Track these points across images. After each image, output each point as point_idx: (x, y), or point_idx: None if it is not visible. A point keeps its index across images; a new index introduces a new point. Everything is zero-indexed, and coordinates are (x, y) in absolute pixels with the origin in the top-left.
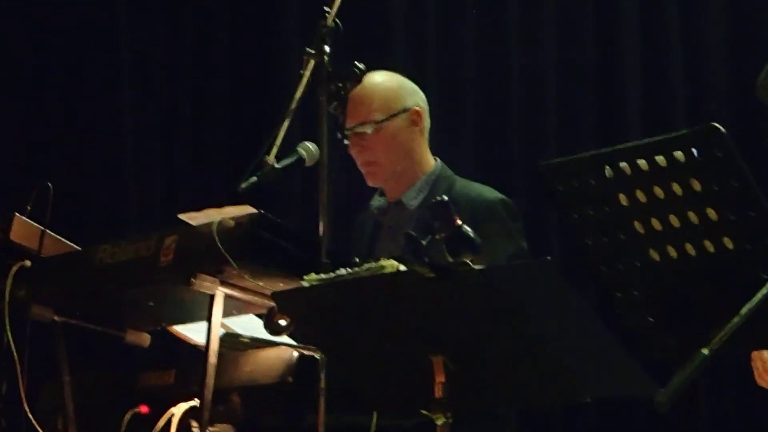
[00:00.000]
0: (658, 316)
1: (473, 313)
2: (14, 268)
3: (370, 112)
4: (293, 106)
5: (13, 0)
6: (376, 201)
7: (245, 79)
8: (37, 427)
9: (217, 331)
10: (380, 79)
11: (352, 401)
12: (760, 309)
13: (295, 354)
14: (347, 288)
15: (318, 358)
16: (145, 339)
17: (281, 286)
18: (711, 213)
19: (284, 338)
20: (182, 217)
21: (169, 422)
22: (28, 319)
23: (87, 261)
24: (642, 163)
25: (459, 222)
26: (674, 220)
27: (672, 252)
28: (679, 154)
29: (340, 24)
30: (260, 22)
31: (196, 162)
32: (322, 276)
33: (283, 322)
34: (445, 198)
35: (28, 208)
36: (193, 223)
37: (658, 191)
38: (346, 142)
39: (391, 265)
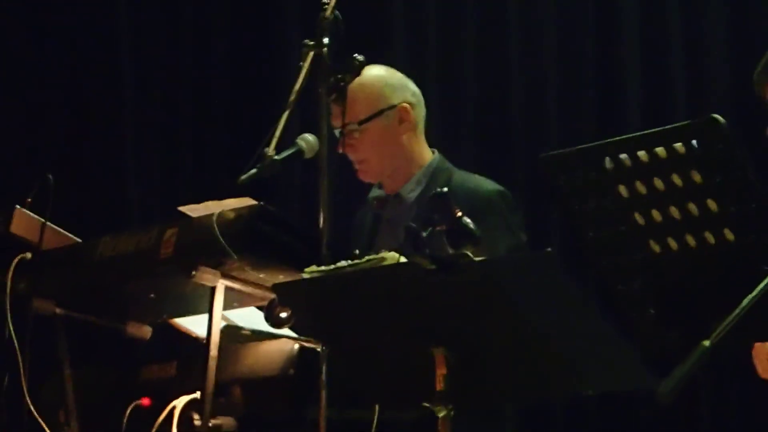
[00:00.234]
0: (659, 308)
1: (474, 304)
2: (15, 261)
3: (354, 113)
4: (293, 98)
5: None
6: (375, 192)
7: (245, 72)
8: (39, 420)
9: (218, 324)
10: (366, 76)
11: (353, 394)
12: (761, 301)
13: (296, 346)
14: (348, 280)
15: (319, 350)
16: (146, 332)
17: (282, 278)
18: (712, 205)
19: (285, 331)
20: (182, 209)
21: (170, 415)
22: (29, 312)
23: (88, 253)
24: (642, 154)
25: (459, 214)
26: (675, 212)
27: (673, 244)
28: (679, 146)
29: (339, 16)
30: (260, 15)
31: (197, 154)
32: (323, 268)
33: (283, 315)
34: (445, 189)
35: (29, 200)
36: (193, 215)
37: (659, 183)
38: (336, 132)
39: (391, 257)
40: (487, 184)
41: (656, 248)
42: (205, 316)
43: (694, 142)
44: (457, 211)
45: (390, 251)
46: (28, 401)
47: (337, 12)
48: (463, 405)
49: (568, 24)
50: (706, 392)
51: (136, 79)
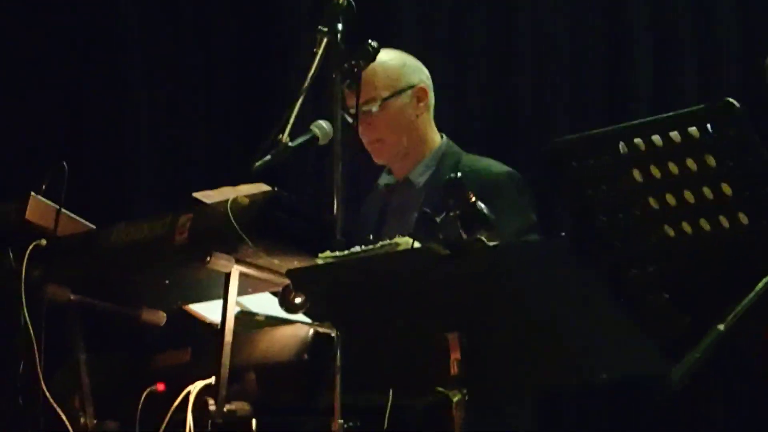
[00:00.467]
0: (672, 292)
1: (487, 289)
2: (30, 248)
3: (375, 90)
4: (306, 84)
5: None
6: (384, 179)
7: (259, 58)
8: (54, 406)
9: (233, 310)
10: (385, 57)
11: (367, 379)
12: None
13: (311, 332)
14: (362, 265)
15: (333, 335)
16: (161, 318)
17: (296, 263)
18: (726, 189)
19: (299, 316)
20: (197, 195)
21: (185, 400)
22: (44, 299)
23: (102, 240)
24: (656, 139)
25: (473, 199)
26: (689, 196)
27: (687, 228)
28: (693, 130)
29: (352, 2)
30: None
31: (211, 141)
32: (337, 254)
33: (298, 300)
34: (459, 175)
35: (44, 187)
36: (207, 201)
37: (673, 167)
38: (349, 119)
39: (405, 242)
40: (497, 167)
41: (670, 232)
42: (219, 302)
43: (708, 126)
44: (471, 196)
45: (401, 236)
46: (44, 387)
47: None
48: (477, 389)
49: (579, 8)
50: (720, 377)
51: (147, 66)
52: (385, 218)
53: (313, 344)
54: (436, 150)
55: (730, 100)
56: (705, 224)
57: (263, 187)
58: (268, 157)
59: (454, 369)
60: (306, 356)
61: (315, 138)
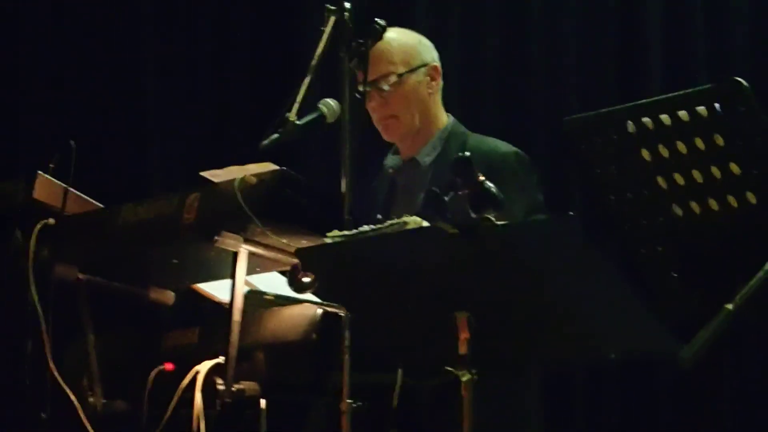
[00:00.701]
0: (681, 271)
1: (496, 269)
2: (38, 227)
3: (392, 65)
4: (314, 62)
5: None
6: (390, 160)
7: (267, 37)
8: (63, 385)
9: (241, 289)
10: (399, 34)
11: (376, 358)
12: None
13: (319, 311)
14: (371, 245)
15: (342, 315)
16: (170, 297)
17: (304, 243)
18: (734, 168)
19: (308, 295)
20: (204, 174)
21: (194, 380)
22: (52, 278)
23: (110, 219)
24: (665, 118)
25: (482, 178)
26: (697, 176)
27: (695, 207)
28: (702, 109)
29: None
30: None
31: (219, 119)
32: (346, 233)
33: (306, 280)
34: (467, 154)
35: (52, 166)
36: (215, 180)
37: (681, 146)
38: (358, 95)
39: (414, 221)
40: (503, 146)
41: (679, 212)
42: (227, 282)
43: (716, 105)
44: (479, 175)
45: (409, 216)
46: (52, 367)
47: None
48: (486, 369)
49: None
50: (729, 356)
51: (157, 45)
52: (392, 198)
53: (321, 324)
54: (443, 130)
55: (739, 79)
56: (713, 204)
57: (271, 166)
58: (276, 135)
59: (463, 349)
60: (314, 336)
61: (323, 116)
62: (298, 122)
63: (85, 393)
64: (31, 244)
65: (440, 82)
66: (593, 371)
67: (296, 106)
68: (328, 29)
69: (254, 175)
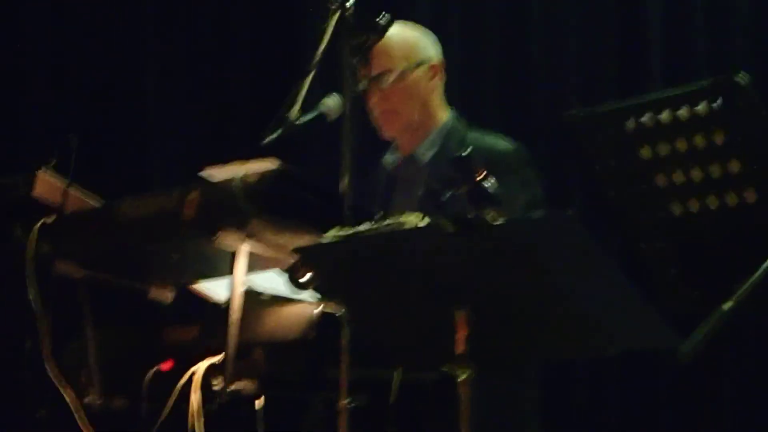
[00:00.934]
0: (681, 268)
1: (495, 266)
2: (38, 224)
3: (393, 61)
4: (316, 59)
5: None
6: (389, 157)
7: (268, 33)
8: (61, 382)
9: (241, 287)
10: (402, 30)
11: (375, 356)
12: None
13: (318, 309)
14: (370, 243)
15: (341, 313)
16: (169, 294)
17: (304, 240)
18: (734, 165)
19: (307, 293)
20: (205, 171)
21: (192, 377)
22: (52, 275)
23: (110, 216)
24: (664, 115)
25: (481, 175)
26: (697, 172)
27: (695, 204)
28: (701, 106)
29: None
30: None
31: (220, 116)
32: (345, 230)
33: (306, 278)
34: (467, 151)
35: (52, 163)
36: (216, 177)
37: (681, 144)
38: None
39: (413, 219)
40: (503, 142)
41: (679, 208)
42: (227, 279)
43: (716, 102)
44: (479, 172)
45: (409, 213)
46: (51, 364)
47: None
48: (484, 366)
49: None
50: (728, 352)
51: (158, 42)
52: (390, 195)
53: (320, 322)
54: (442, 127)
55: (739, 75)
56: (713, 200)
57: (272, 164)
58: (278, 133)
59: (461, 346)
60: (313, 334)
61: (324, 114)
62: (299, 119)
63: (84, 389)
64: (31, 241)
65: (443, 79)
66: (593, 369)
67: (298, 103)
68: (329, 26)
69: (255, 173)
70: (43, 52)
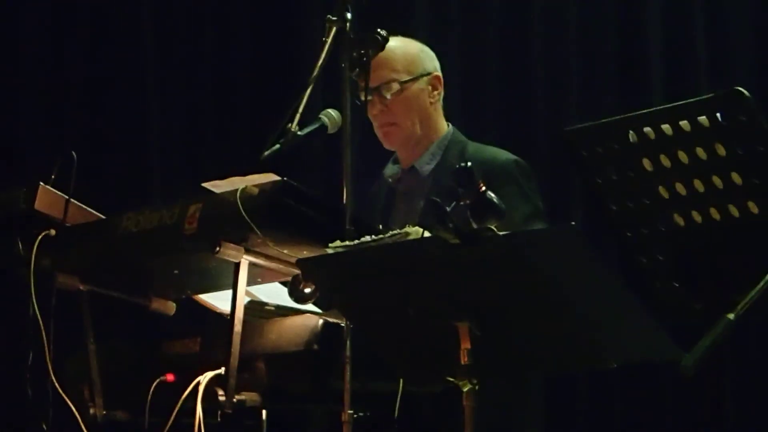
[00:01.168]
0: (683, 280)
1: (498, 278)
2: (39, 238)
3: (394, 73)
4: (315, 73)
5: None
6: (390, 169)
7: (268, 47)
8: (63, 395)
9: (242, 299)
10: (402, 42)
11: (377, 368)
12: None
13: (320, 321)
14: (372, 255)
15: (343, 325)
16: (170, 307)
17: (306, 253)
18: (735, 177)
19: (309, 306)
20: (206, 185)
21: (195, 390)
22: (53, 288)
23: (111, 229)
24: (666, 127)
25: (483, 188)
26: (699, 185)
27: (697, 217)
28: (703, 119)
29: None
30: None
31: (220, 130)
32: (347, 243)
33: (308, 290)
34: (469, 164)
35: (53, 177)
36: (216, 190)
37: (683, 156)
38: (359, 102)
39: (415, 231)
40: (503, 155)
41: (680, 221)
42: (229, 292)
43: (718, 115)
44: (481, 185)
45: (407, 225)
46: (53, 377)
47: None
48: (487, 378)
49: None
50: (730, 364)
51: (158, 55)
52: (391, 207)
53: (322, 334)
54: (442, 139)
55: (740, 89)
56: (715, 213)
57: (272, 177)
58: (277, 146)
59: (464, 359)
60: (316, 346)
61: (324, 127)
62: (299, 133)
63: (86, 403)
64: (33, 255)
65: (441, 92)
66: (594, 374)
67: (298, 116)
68: (329, 39)
69: (256, 186)
70: (43, 63)
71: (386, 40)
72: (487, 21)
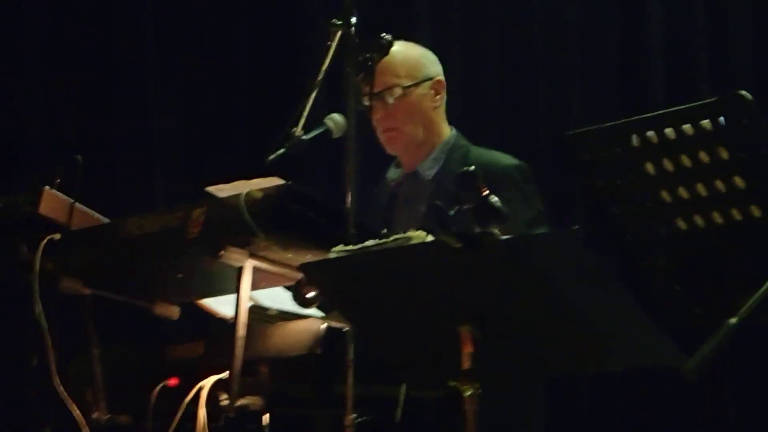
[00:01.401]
0: (685, 284)
1: (500, 283)
2: (43, 242)
3: (397, 78)
4: (320, 77)
5: None
6: (392, 173)
7: (271, 51)
8: (67, 399)
9: (246, 303)
10: (405, 47)
11: (380, 372)
12: None
13: (323, 326)
14: (375, 259)
15: (346, 329)
16: (174, 311)
17: (309, 257)
18: (738, 181)
19: (312, 310)
20: (210, 189)
21: (198, 394)
22: (57, 292)
23: (115, 233)
24: (669, 131)
25: (486, 192)
26: (701, 189)
27: (699, 220)
28: (706, 123)
29: None
30: None
31: (224, 134)
32: (350, 247)
33: (311, 294)
34: (472, 168)
35: (57, 181)
36: (220, 194)
37: (685, 160)
38: (363, 107)
39: (418, 235)
40: (504, 159)
41: (683, 225)
42: (232, 296)
43: (720, 118)
44: (483, 189)
45: (409, 229)
46: (56, 381)
47: None
48: (489, 382)
49: (593, 1)
50: (731, 368)
51: (160, 59)
52: (393, 211)
53: (325, 338)
54: (444, 143)
55: (742, 92)
56: (717, 217)
57: (277, 181)
58: (282, 150)
59: (466, 363)
60: (319, 350)
61: (328, 131)
62: (303, 137)
63: (90, 407)
64: (37, 259)
65: (444, 96)
66: (596, 377)
67: (302, 120)
68: (333, 44)
69: (260, 190)
70: (46, 67)
71: (391, 45)
72: (488, 24)
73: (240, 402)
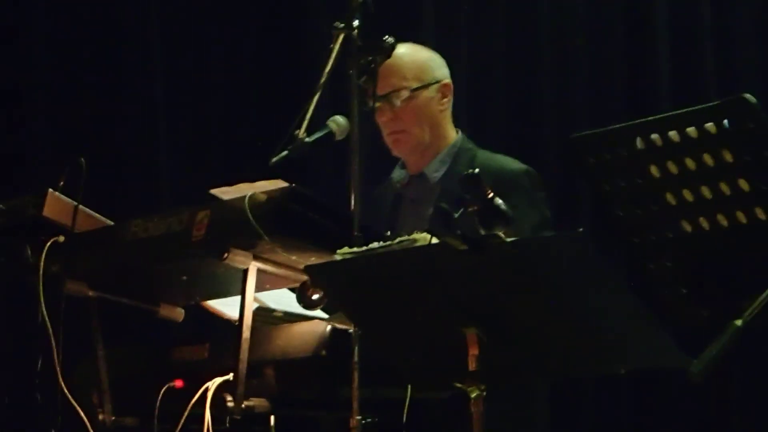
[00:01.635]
0: (690, 287)
1: (506, 285)
2: (48, 244)
3: (404, 80)
4: (323, 80)
5: None
6: (397, 174)
7: (276, 53)
8: (73, 402)
9: (251, 306)
10: (412, 50)
11: (386, 374)
12: None
13: (329, 328)
14: (380, 261)
15: (351, 331)
16: (179, 313)
17: (314, 259)
18: (743, 184)
19: (317, 312)
20: (214, 191)
21: (203, 396)
22: (62, 295)
23: (120, 236)
24: (673, 134)
25: (491, 194)
26: (706, 192)
27: (704, 223)
28: (710, 126)
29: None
30: None
31: (228, 136)
32: (355, 249)
33: (316, 296)
34: (477, 170)
35: (61, 183)
36: (225, 197)
37: (690, 162)
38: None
39: (423, 238)
40: (512, 163)
41: (688, 227)
42: (237, 298)
43: (725, 121)
44: (489, 191)
45: (415, 231)
46: (62, 383)
47: None
48: (495, 384)
49: (599, 3)
50: (738, 371)
51: (167, 61)
52: (398, 213)
53: (331, 340)
54: (451, 146)
55: (746, 95)
56: (722, 219)
57: (281, 183)
58: (285, 152)
59: (472, 365)
60: (324, 352)
61: (332, 133)
62: (307, 139)
63: (95, 409)
64: (42, 261)
65: (451, 99)
66: (601, 379)
67: (305, 123)
68: (336, 46)
69: (264, 192)
70: (51, 70)
71: (393, 47)
72: (494, 28)
73: (245, 404)
